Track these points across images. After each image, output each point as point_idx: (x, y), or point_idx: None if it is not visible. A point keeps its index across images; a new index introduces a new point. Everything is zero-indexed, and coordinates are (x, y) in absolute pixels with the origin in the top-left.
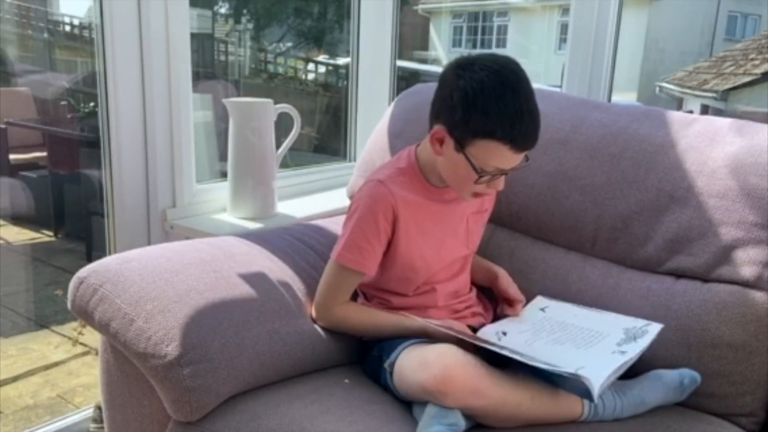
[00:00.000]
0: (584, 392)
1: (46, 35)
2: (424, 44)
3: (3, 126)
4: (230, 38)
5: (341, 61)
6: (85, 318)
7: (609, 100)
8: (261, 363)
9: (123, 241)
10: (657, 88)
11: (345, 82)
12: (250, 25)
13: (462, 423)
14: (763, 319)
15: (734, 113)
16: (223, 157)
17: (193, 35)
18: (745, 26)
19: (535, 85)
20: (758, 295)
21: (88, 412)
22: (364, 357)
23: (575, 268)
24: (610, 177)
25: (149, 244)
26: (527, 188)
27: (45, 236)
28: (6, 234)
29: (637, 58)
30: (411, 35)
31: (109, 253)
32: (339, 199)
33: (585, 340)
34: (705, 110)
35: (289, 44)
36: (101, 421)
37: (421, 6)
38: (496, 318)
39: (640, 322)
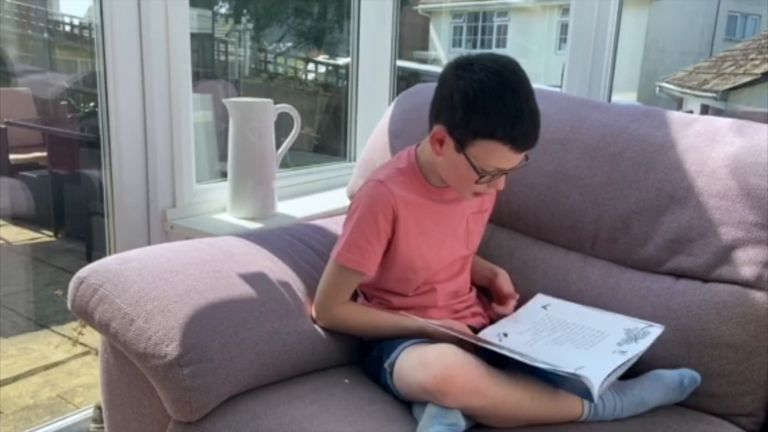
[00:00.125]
0: (584, 392)
1: (46, 35)
2: (424, 44)
3: (3, 126)
4: (230, 38)
5: (341, 61)
6: (85, 318)
7: (609, 100)
8: (261, 363)
9: (123, 241)
10: (657, 88)
11: (345, 82)
12: (250, 25)
13: (462, 423)
14: (763, 319)
15: (734, 113)
16: (223, 157)
17: (193, 35)
18: (745, 26)
19: (535, 85)
20: (758, 295)
21: (88, 412)
22: (364, 357)
23: (575, 268)
24: (610, 177)
25: (149, 244)
26: (527, 188)
27: (45, 236)
28: (6, 234)
29: (637, 58)
30: (411, 35)
31: (109, 253)
32: (339, 199)
33: (585, 339)
34: (705, 110)
35: (289, 44)
36: (101, 421)
37: (421, 6)
38: (492, 321)
39: (641, 323)
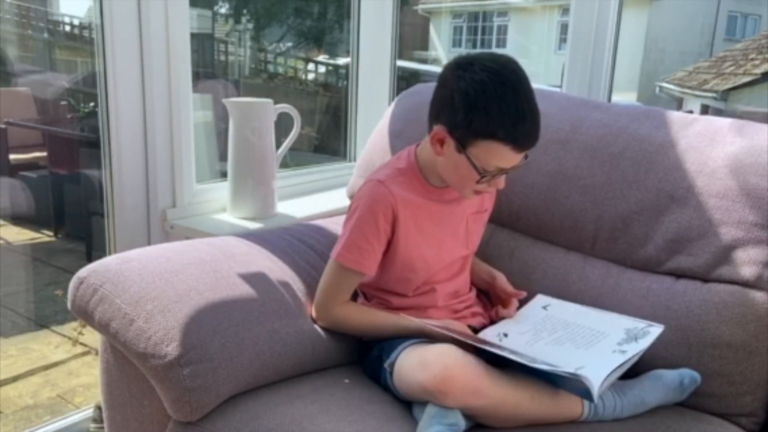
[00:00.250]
0: (584, 392)
1: (46, 35)
2: (424, 44)
3: (3, 126)
4: (230, 38)
5: (341, 61)
6: (85, 318)
7: (609, 100)
8: (261, 363)
9: (123, 241)
10: (657, 88)
11: (345, 82)
12: (250, 25)
13: (462, 423)
14: (763, 319)
15: (734, 113)
16: (223, 157)
17: (193, 35)
18: (745, 26)
19: (535, 85)
20: (758, 295)
21: (88, 412)
22: (364, 357)
23: (575, 268)
24: (610, 177)
25: (149, 244)
26: (527, 188)
27: (45, 236)
28: (6, 234)
29: (637, 58)
30: (411, 35)
31: (109, 253)
32: (339, 199)
33: (585, 339)
34: (705, 110)
35: (289, 44)
36: (101, 421)
37: (421, 6)
38: (492, 321)
39: (641, 323)
